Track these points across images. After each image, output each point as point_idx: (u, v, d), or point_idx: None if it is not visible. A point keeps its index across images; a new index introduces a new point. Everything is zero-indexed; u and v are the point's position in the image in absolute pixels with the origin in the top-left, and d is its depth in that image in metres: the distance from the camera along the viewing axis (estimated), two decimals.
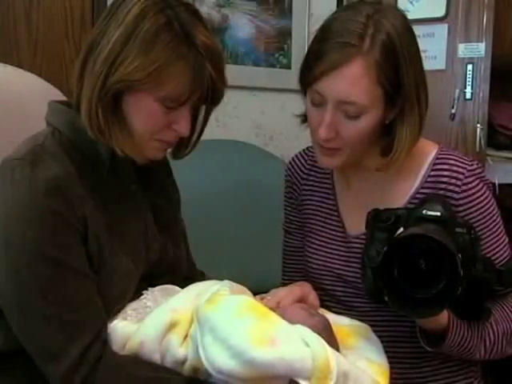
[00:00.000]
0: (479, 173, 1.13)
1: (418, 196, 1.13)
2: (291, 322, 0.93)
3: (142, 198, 1.09)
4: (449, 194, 1.10)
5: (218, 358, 0.86)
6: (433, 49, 2.24)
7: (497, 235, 1.13)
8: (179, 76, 0.95)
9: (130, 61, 0.93)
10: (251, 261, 1.84)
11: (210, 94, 0.99)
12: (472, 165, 1.12)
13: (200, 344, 0.88)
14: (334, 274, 1.19)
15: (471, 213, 1.10)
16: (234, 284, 1.03)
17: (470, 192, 1.10)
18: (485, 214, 1.12)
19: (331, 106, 1.06)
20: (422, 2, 2.31)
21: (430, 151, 1.16)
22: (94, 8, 2.02)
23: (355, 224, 1.16)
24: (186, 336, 0.93)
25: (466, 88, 2.19)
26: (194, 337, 0.91)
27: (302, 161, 1.31)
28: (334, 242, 1.21)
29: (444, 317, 1.03)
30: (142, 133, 0.98)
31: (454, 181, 1.11)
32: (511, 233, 1.22)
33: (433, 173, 1.13)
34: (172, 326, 0.93)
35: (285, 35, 2.39)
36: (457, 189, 1.10)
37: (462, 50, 2.21)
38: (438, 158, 1.14)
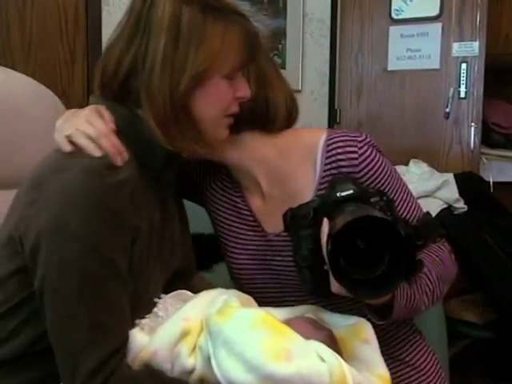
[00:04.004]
0: (369, 141, 1.14)
1: (322, 182, 1.14)
2: None
3: (174, 205, 1.08)
4: (349, 169, 1.11)
5: (233, 372, 0.85)
6: (427, 48, 2.24)
7: (404, 193, 1.15)
8: (236, 42, 0.95)
9: (191, 57, 0.92)
10: None
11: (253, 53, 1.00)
12: (361, 135, 1.14)
13: (213, 357, 0.88)
14: (262, 273, 1.20)
15: (375, 179, 1.12)
16: (241, 293, 1.03)
17: (368, 161, 1.12)
18: (386, 177, 1.13)
19: None
20: (416, 2, 2.30)
21: (319, 137, 1.17)
22: (88, 9, 2.03)
23: (272, 224, 1.17)
24: (194, 346, 0.93)
25: (460, 87, 2.20)
26: (202, 348, 0.91)
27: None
28: (255, 243, 1.20)
29: None
30: (214, 117, 0.98)
31: (349, 155, 1.12)
32: (508, 230, 1.22)
33: (328, 154, 1.14)
34: (184, 335, 0.92)
35: (279, 35, 2.39)
36: (355, 162, 1.11)
37: (456, 48, 2.21)
38: (328, 141, 1.15)
